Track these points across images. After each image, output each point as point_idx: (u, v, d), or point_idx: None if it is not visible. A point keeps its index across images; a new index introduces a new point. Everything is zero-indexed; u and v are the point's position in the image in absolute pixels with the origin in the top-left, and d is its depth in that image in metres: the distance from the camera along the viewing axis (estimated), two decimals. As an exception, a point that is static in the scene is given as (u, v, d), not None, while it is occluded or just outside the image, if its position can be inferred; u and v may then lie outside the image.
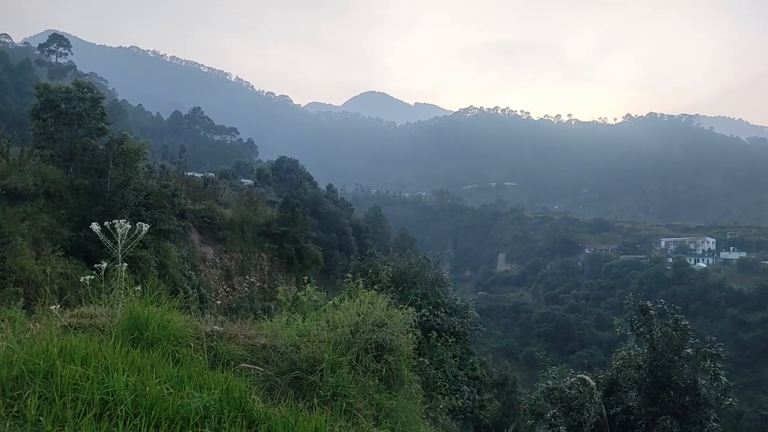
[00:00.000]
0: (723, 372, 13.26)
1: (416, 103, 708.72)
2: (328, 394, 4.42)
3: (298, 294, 7.39)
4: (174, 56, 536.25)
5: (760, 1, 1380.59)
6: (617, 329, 14.51)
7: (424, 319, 16.68)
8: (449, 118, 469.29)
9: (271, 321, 6.46)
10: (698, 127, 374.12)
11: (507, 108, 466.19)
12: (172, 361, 4.35)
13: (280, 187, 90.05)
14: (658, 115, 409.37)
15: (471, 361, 20.81)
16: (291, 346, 5.17)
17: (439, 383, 10.07)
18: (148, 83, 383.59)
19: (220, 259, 34.36)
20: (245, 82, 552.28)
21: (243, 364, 4.72)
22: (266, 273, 37.53)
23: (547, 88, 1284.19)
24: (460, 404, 8.80)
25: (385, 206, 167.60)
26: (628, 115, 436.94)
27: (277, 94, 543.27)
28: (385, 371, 5.21)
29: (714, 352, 13.07)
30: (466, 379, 17.82)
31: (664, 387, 12.30)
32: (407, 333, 5.79)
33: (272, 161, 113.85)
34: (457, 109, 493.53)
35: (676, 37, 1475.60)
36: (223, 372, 4.22)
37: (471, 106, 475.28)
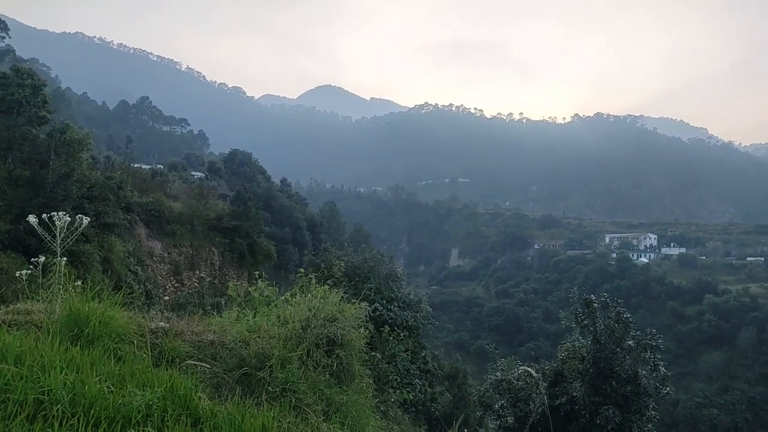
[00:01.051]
0: (662, 362, 13.84)
1: (372, 99, 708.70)
2: (278, 390, 4.36)
3: (249, 289, 7.27)
4: (121, 43, 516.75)
5: (700, 9, 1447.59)
6: (563, 322, 14.95)
7: (378, 313, 16.74)
8: (405, 114, 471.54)
9: (221, 317, 6.33)
10: (642, 127, 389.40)
11: (461, 105, 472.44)
12: (114, 358, 4.19)
13: (233, 180, 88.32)
14: (605, 116, 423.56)
15: (423, 354, 21.04)
16: (240, 342, 5.08)
17: (390, 377, 10.14)
18: (93, 71, 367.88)
19: (168, 253, 33.41)
20: (197, 72, 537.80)
21: (189, 361, 4.60)
22: (217, 268, 36.76)
23: (501, 87, 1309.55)
24: (411, 397, 8.89)
25: (340, 201, 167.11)
26: (577, 115, 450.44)
27: (229, 85, 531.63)
28: (336, 366, 5.20)
29: (653, 343, 13.61)
30: (418, 372, 18.01)
31: (606, 377, 12.75)
32: (359, 328, 5.79)
33: (224, 154, 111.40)
34: (413, 106, 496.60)
35: (623, 41, 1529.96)
36: (167, 369, 4.11)
37: (426, 103, 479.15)
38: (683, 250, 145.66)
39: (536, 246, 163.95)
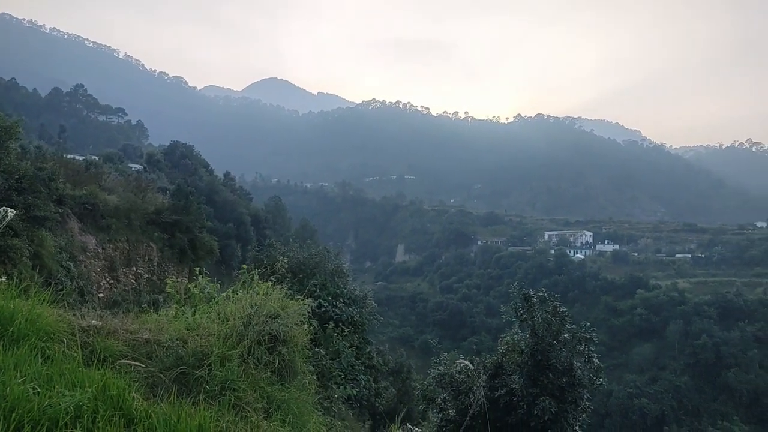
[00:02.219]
0: (596, 355, 14.42)
1: (319, 93, 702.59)
2: (216, 388, 4.28)
3: (189, 286, 7.08)
4: (54, 27, 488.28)
5: (634, 16, 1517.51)
6: (503, 317, 15.36)
7: (323, 309, 16.69)
8: (352, 110, 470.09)
9: (158, 314, 6.14)
10: (580, 129, 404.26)
11: (408, 103, 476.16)
12: (42, 358, 3.99)
13: (173, 173, 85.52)
14: (546, 117, 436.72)
15: (368, 350, 21.16)
16: (177, 340, 4.94)
17: (334, 373, 10.13)
18: (23, 56, 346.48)
19: (103, 249, 31.96)
20: (135, 60, 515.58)
21: (123, 360, 4.44)
22: (155, 264, 35.48)
23: (447, 85, 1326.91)
24: (355, 393, 8.91)
25: (286, 196, 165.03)
26: (519, 115, 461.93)
27: (170, 75, 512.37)
28: (278, 363, 5.15)
29: (588, 336, 14.17)
30: (362, 368, 18.07)
31: (543, 369, 13.19)
32: (302, 324, 5.75)
33: (164, 146, 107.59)
34: (360, 101, 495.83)
35: (563, 44, 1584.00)
36: (99, 369, 3.94)
37: (374, 99, 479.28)
38: (617, 246, 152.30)
39: (479, 242, 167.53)
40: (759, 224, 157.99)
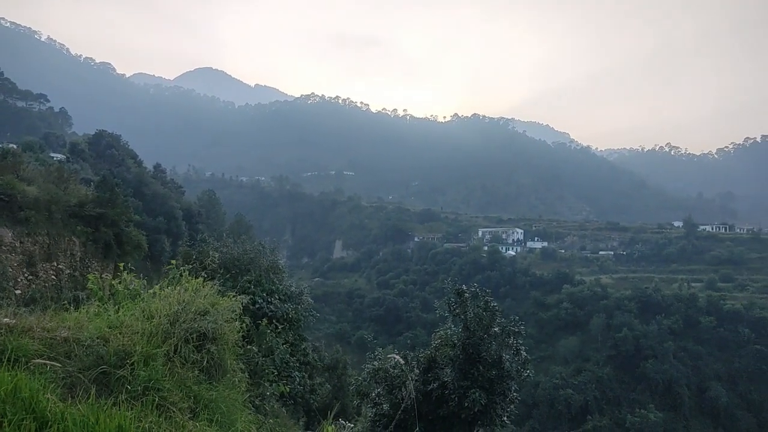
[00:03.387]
0: (524, 347, 14.95)
1: (257, 85, 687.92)
2: (139, 388, 4.12)
3: (113, 282, 6.77)
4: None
5: (566, 22, 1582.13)
6: (437, 311, 15.66)
7: (257, 306, 16.39)
8: (291, 104, 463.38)
9: (78, 312, 5.83)
10: (513, 129, 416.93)
11: (348, 98, 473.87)
12: (-57, 361, 3.71)
13: (99, 164, 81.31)
14: (481, 117, 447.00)
15: (304, 346, 20.98)
16: (98, 338, 4.72)
17: (267, 370, 9.99)
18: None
19: (20, 242, 30.02)
20: (59, 43, 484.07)
21: (37, 360, 4.20)
22: (78, 259, 33.68)
23: (386, 82, 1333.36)
24: (288, 390, 8.83)
25: (220, 190, 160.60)
26: (456, 114, 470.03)
27: (97, 61, 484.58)
28: (207, 361, 5.02)
29: (516, 329, 14.68)
30: (297, 364, 17.92)
31: (474, 363, 13.56)
32: (233, 321, 5.63)
33: (89, 135, 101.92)
34: (299, 95, 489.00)
35: (498, 46, 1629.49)
36: (10, 370, 3.71)
37: (313, 93, 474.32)
38: (545, 244, 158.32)
39: (416, 239, 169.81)
40: (676, 224, 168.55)
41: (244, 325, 6.49)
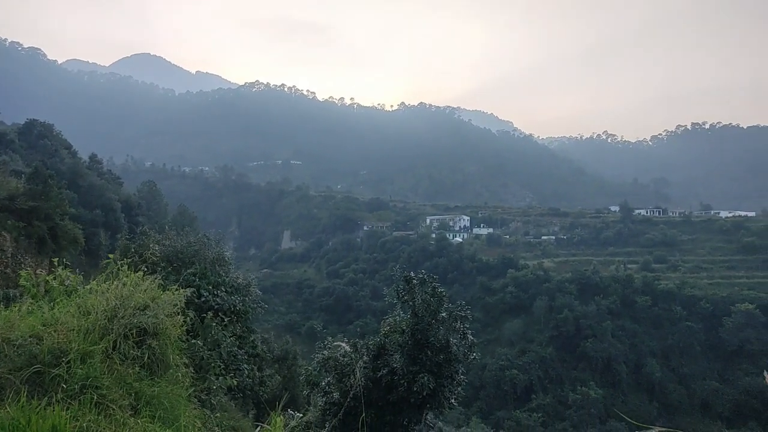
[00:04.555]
0: (471, 331, 15.31)
1: (198, 72, 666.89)
2: (76, 387, 3.98)
3: (47, 278, 6.47)
4: None
5: (510, 13, 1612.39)
6: (386, 299, 15.82)
7: (203, 299, 16.05)
8: (234, 91, 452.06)
9: (8, 310, 5.54)
10: (459, 118, 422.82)
11: (294, 86, 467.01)
12: None
13: (30, 155, 76.92)
14: (428, 106, 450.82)
15: (252, 339, 20.72)
16: (31, 337, 4.51)
17: (213, 364, 9.82)
18: None
19: (-58, 240, 28.15)
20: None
21: (-38, 364, 3.97)
22: (9, 255, 31.90)
23: (333, 70, 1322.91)
24: (236, 383, 8.72)
25: (161, 181, 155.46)
26: (403, 103, 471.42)
27: (25, 46, 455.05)
28: (148, 357, 4.89)
29: (463, 314, 15.01)
30: (246, 357, 17.69)
31: (422, 348, 13.81)
32: (175, 315, 5.50)
33: (19, 124, 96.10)
34: (243, 83, 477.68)
35: (443, 36, 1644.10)
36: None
37: (257, 81, 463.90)
38: (491, 230, 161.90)
39: (365, 227, 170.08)
40: (612, 209, 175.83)
41: (188, 319, 6.35)
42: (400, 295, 14.88)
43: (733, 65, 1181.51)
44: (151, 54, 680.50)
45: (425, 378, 13.20)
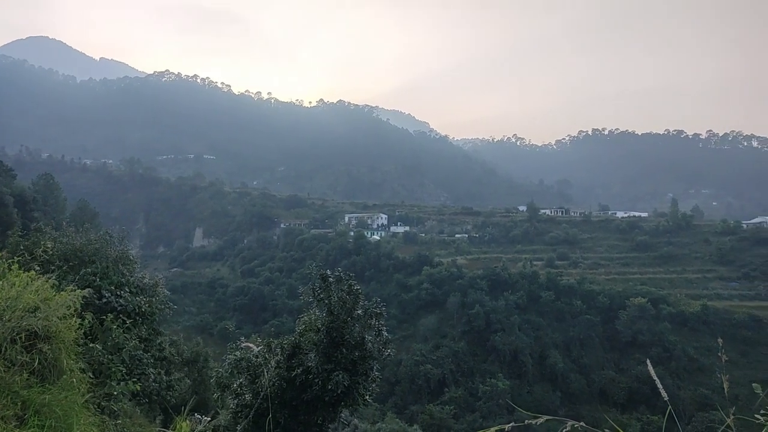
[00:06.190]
0: (386, 328, 15.48)
1: (102, 59, 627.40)
2: (-49, 398, 3.61)
3: None
4: None
5: (428, 17, 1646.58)
6: (302, 297, 15.66)
7: (104, 300, 15.13)
8: (142, 81, 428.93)
9: None
10: (377, 117, 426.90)
11: (208, 78, 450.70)
12: None
13: None
14: (347, 103, 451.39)
15: (159, 341, 19.76)
16: None
17: (114, 369, 9.27)
18: None
19: None
20: None
21: None
22: None
23: (250, 63, 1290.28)
24: (138, 388, 8.30)
25: (60, 174, 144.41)
26: (322, 100, 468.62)
27: None
28: (39, 362, 4.54)
29: (378, 311, 15.15)
30: (152, 360, 16.85)
31: (338, 346, 13.80)
32: (71, 317, 5.14)
33: None
34: (152, 72, 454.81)
35: (363, 35, 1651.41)
36: None
37: (168, 71, 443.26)
38: (408, 228, 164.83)
39: (282, 225, 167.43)
40: (521, 208, 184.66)
41: (85, 321, 5.96)
42: (316, 294, 14.78)
43: (630, 75, 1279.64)
44: (50, 37, 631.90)
45: (340, 376, 13.21)
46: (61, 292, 5.41)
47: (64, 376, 4.74)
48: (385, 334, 15.24)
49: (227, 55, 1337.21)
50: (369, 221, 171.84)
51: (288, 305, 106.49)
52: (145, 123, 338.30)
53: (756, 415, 2.89)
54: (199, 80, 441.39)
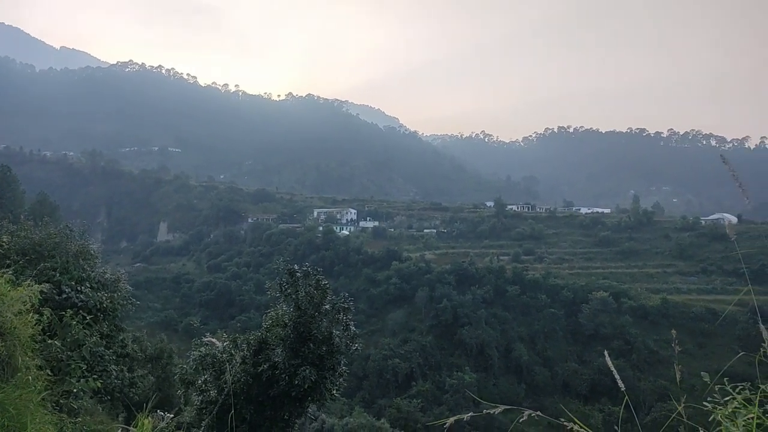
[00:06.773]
0: (353, 322, 15.52)
1: (63, 48, 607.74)
2: None
3: None
4: None
5: (399, 12, 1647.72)
6: (269, 293, 15.55)
7: (64, 296, 14.73)
8: (105, 71, 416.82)
9: None
10: (347, 112, 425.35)
11: (173, 69, 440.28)
12: None
13: None
14: (316, 98, 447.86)
15: (121, 338, 19.36)
16: None
17: (73, 366, 9.04)
18: None
19: None
20: None
21: None
22: None
23: (217, 55, 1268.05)
24: (99, 385, 8.11)
25: (18, 166, 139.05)
26: (291, 93, 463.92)
27: None
28: (-8, 360, 4.40)
29: (346, 306, 15.19)
30: (114, 357, 16.50)
31: (305, 341, 13.77)
32: (27, 313, 5.00)
33: None
34: (116, 62, 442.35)
35: (334, 28, 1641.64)
36: None
37: (131, 61, 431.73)
38: (377, 223, 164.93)
39: (250, 220, 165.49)
40: (488, 204, 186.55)
41: (44, 317, 5.80)
42: (283, 289, 14.71)
43: (596, 73, 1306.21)
44: (6, 24, 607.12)
45: (307, 371, 13.19)
46: (18, 288, 5.25)
47: (19, 374, 4.61)
48: (353, 328, 15.28)
49: (194, 47, 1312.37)
50: (338, 216, 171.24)
51: (255, 301, 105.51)
52: (107, 115, 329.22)
53: (704, 403, 3.01)
54: (164, 71, 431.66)
